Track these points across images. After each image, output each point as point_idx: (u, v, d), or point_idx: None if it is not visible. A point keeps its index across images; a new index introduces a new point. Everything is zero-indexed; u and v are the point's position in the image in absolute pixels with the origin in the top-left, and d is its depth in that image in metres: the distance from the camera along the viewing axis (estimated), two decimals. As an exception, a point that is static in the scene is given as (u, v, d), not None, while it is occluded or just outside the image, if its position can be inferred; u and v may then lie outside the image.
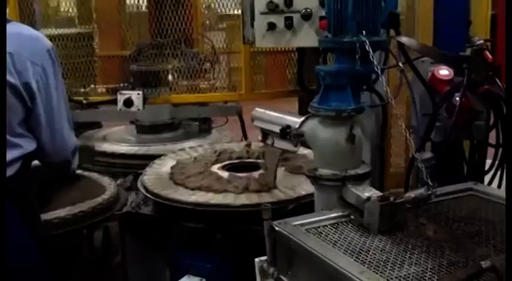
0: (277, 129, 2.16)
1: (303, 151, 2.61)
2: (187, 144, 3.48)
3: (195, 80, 3.38)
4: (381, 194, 1.80)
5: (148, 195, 2.57)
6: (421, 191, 1.83)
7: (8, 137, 1.91)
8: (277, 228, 1.72)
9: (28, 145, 2.00)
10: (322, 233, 1.72)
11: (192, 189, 2.52)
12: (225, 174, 2.66)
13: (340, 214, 1.84)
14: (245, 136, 3.61)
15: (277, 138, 2.24)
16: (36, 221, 2.10)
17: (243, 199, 2.40)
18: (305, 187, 2.44)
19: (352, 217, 1.82)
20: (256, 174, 2.61)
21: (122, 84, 3.37)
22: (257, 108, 2.42)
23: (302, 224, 1.75)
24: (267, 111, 2.33)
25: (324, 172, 1.96)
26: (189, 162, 2.87)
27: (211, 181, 2.57)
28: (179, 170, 2.74)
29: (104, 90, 3.37)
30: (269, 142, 2.31)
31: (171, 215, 2.46)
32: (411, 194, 1.83)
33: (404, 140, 3.09)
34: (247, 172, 2.66)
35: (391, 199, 1.73)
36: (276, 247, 1.74)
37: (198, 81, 3.39)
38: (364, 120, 2.67)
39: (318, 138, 1.99)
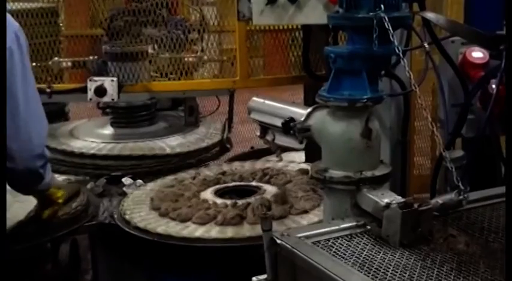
0: (278, 122, 2.16)
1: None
2: (169, 140, 3.47)
3: (179, 53, 3.35)
4: (403, 200, 1.80)
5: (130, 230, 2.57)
6: (450, 196, 1.83)
7: None
8: (279, 241, 1.72)
9: None
10: (332, 247, 1.72)
11: (182, 221, 2.55)
12: (218, 201, 2.69)
13: (354, 224, 1.84)
14: (230, 123, 3.58)
15: (278, 133, 2.24)
16: None
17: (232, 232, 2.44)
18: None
19: (368, 227, 1.82)
20: (253, 200, 2.64)
21: (91, 57, 3.33)
22: (255, 98, 2.42)
23: (308, 236, 1.76)
24: (267, 102, 2.33)
25: (334, 173, 1.97)
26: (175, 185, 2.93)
27: (201, 212, 2.59)
28: (165, 196, 2.78)
29: (69, 64, 3.34)
30: (269, 137, 2.31)
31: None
32: (439, 200, 1.83)
33: (430, 136, 3.09)
34: (245, 197, 2.70)
35: (415, 205, 1.73)
36: (278, 263, 1.74)
37: (183, 54, 3.36)
38: (382, 111, 2.70)
39: (328, 133, 1.99)
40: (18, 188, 2.27)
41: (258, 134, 2.37)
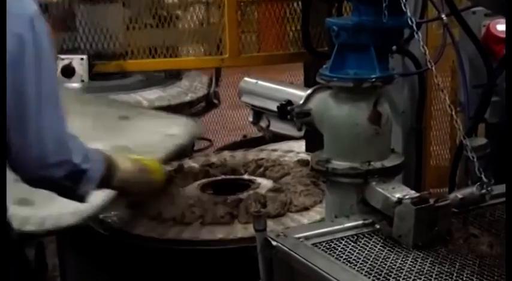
0: (273, 106, 2.17)
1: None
2: (147, 93, 3.41)
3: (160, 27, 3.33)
4: (417, 194, 1.80)
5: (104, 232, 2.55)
6: (471, 190, 1.83)
7: None
8: (274, 242, 1.72)
9: None
10: (335, 249, 1.72)
11: (163, 221, 2.54)
12: (205, 197, 2.69)
13: (361, 222, 1.84)
14: (217, 76, 3.55)
15: (273, 119, 2.25)
16: None
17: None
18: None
19: (377, 226, 1.83)
20: (246, 195, 2.63)
21: None
22: (246, 79, 2.43)
23: (308, 237, 1.76)
24: (260, 82, 2.34)
25: (338, 164, 1.97)
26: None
27: (186, 210, 2.57)
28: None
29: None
30: (263, 124, 2.31)
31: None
32: (458, 194, 1.84)
33: (449, 122, 3.09)
34: (237, 192, 2.69)
35: (431, 201, 1.73)
36: (273, 267, 1.74)
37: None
38: (393, 93, 2.69)
39: (331, 118, 1.99)
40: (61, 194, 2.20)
41: (251, 120, 2.36)
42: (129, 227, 2.51)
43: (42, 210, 2.32)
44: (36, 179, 2.03)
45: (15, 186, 1.99)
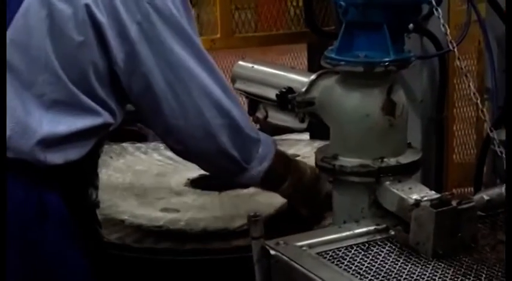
0: (272, 94, 2.16)
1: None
2: None
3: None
4: (438, 195, 1.80)
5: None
6: (500, 190, 1.83)
7: (83, 97, 1.94)
8: (273, 251, 1.72)
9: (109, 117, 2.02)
10: (344, 259, 1.71)
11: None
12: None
13: (373, 228, 1.84)
14: None
15: (272, 109, 2.25)
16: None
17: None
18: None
19: (391, 232, 1.83)
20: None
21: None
22: (241, 62, 2.43)
23: (312, 245, 1.76)
24: (256, 67, 2.33)
25: (347, 161, 1.96)
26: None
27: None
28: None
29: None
30: (260, 115, 2.31)
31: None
32: (485, 195, 1.84)
33: (474, 111, 3.09)
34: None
35: (454, 203, 1.72)
36: (272, 279, 1.73)
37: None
38: (410, 79, 2.69)
39: (338, 108, 1.99)
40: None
41: (246, 110, 2.36)
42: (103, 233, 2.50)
43: None
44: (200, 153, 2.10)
45: None
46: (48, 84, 1.91)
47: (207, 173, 2.77)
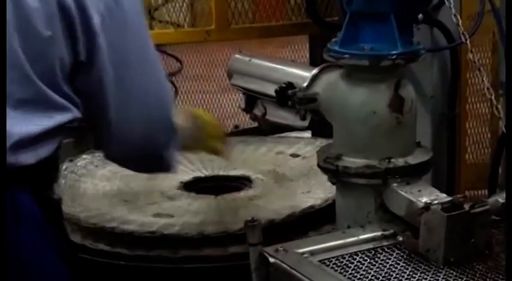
0: (271, 89, 2.16)
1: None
2: None
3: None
4: (449, 198, 1.81)
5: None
6: (516, 193, 1.82)
7: (51, 93, 1.96)
8: (272, 259, 1.72)
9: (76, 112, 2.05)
10: (348, 267, 1.72)
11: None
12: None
13: (380, 233, 1.85)
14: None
15: (271, 105, 2.26)
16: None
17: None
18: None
19: (399, 238, 1.83)
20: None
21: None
22: (238, 55, 2.43)
23: (314, 252, 1.76)
24: (254, 60, 2.33)
25: (351, 161, 1.97)
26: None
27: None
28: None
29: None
30: (258, 112, 2.31)
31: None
32: (499, 198, 1.83)
33: (488, 108, 3.09)
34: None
35: (466, 206, 1.73)
36: (271, 290, 1.75)
37: None
38: (420, 73, 2.69)
39: (341, 104, 2.00)
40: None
41: (243, 106, 2.36)
42: (90, 241, 2.51)
43: None
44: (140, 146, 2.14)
45: None
46: (14, 83, 1.92)
47: (201, 176, 2.82)
